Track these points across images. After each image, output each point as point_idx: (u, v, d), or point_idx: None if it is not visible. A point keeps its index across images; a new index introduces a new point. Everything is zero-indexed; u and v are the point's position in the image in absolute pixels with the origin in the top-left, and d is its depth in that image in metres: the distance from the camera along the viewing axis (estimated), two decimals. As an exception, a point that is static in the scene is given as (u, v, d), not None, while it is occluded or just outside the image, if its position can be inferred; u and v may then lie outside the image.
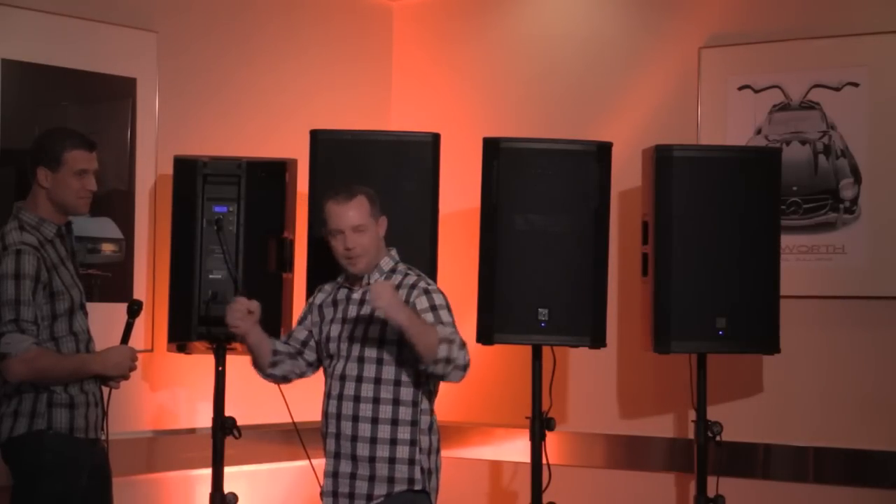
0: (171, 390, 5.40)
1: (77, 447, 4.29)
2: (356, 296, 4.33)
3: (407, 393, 4.26)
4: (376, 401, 4.25)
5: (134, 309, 4.43)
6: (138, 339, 5.00)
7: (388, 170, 4.91)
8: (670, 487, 5.63)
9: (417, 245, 4.81)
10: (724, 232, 5.06)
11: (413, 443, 4.26)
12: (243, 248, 4.84)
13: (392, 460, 4.24)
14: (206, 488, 4.94)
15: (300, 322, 4.50)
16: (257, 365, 4.43)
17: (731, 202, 5.07)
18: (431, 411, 4.35)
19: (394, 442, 4.24)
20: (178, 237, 4.89)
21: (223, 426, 4.88)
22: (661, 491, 5.64)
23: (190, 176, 4.86)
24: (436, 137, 4.99)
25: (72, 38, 5.06)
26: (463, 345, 4.20)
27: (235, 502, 4.90)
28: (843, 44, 5.37)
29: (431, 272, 4.81)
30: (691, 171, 5.07)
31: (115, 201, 5.17)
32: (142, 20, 5.30)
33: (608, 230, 5.08)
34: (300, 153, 5.02)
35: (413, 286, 4.31)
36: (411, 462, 4.26)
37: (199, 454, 5.18)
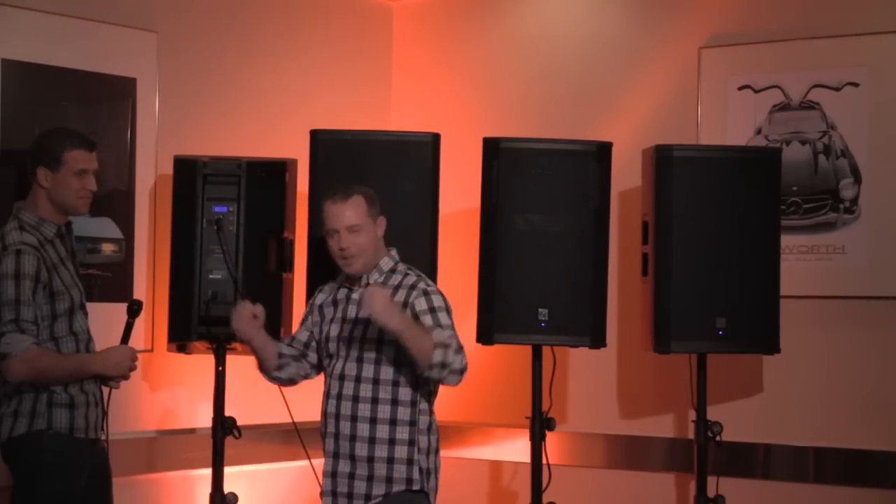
0: (171, 390, 5.40)
1: (77, 447, 4.29)
2: (356, 296, 4.33)
3: (405, 393, 4.26)
4: (375, 401, 4.25)
5: (134, 309, 4.43)
6: (138, 339, 5.00)
7: (388, 170, 4.91)
8: (670, 487, 5.63)
9: (417, 245, 4.81)
10: (724, 232, 5.06)
11: (411, 443, 4.26)
12: (243, 248, 4.84)
13: (390, 460, 4.24)
14: (206, 488, 4.94)
15: (302, 323, 4.51)
16: (263, 369, 4.44)
17: (731, 202, 5.07)
18: (430, 411, 4.35)
19: (392, 442, 4.24)
20: (178, 237, 4.90)
21: (223, 426, 4.88)
22: (661, 491, 5.64)
23: (190, 176, 4.86)
24: (436, 137, 4.99)
25: (72, 38, 5.06)
26: (459, 349, 4.19)
27: (235, 502, 4.90)
28: (843, 44, 5.37)
29: (431, 272, 4.81)
30: (691, 171, 5.07)
31: (115, 201, 5.17)
32: (142, 20, 5.30)
33: (608, 230, 5.08)
34: (300, 153, 5.02)
35: (412, 287, 4.31)
36: (409, 462, 4.26)
37: (199, 454, 5.18)
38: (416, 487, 4.26)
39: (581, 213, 5.04)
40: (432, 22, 6.39)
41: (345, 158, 4.93)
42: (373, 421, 4.24)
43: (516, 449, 5.76)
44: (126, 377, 4.37)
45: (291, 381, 4.49)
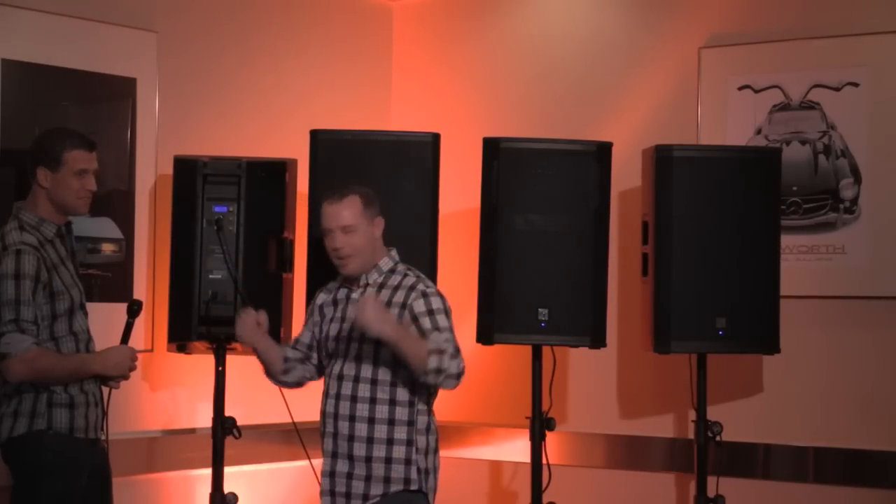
0: (171, 390, 5.40)
1: (77, 447, 4.29)
2: (355, 296, 4.33)
3: (403, 393, 4.26)
4: (373, 401, 4.25)
5: (134, 309, 4.43)
6: (138, 339, 5.00)
7: (388, 170, 4.91)
8: (670, 487, 5.63)
9: (417, 245, 4.81)
10: (724, 232, 5.06)
11: (410, 443, 4.26)
12: (243, 248, 4.85)
13: (388, 460, 4.23)
14: (206, 488, 4.94)
15: (305, 325, 4.51)
16: (269, 373, 4.45)
17: (731, 202, 5.07)
18: (429, 411, 4.34)
19: (390, 442, 4.24)
20: (178, 237, 4.90)
21: (223, 426, 4.88)
22: (661, 491, 5.64)
23: (190, 176, 4.86)
24: (436, 137, 4.99)
25: (72, 38, 5.06)
26: (456, 353, 4.17)
27: (235, 502, 4.91)
28: (843, 44, 5.37)
29: (431, 272, 4.81)
30: (691, 171, 5.07)
31: (115, 201, 5.17)
32: (142, 20, 5.30)
33: (608, 230, 5.09)
34: (300, 153, 5.02)
35: (412, 287, 4.30)
36: (408, 462, 4.25)
37: (199, 454, 5.18)
38: (413, 487, 4.26)
39: (581, 213, 5.04)
40: (432, 22, 6.39)
41: (345, 158, 4.93)
42: (371, 421, 4.24)
43: (516, 449, 5.76)
44: (126, 377, 4.37)
45: (299, 384, 4.51)
